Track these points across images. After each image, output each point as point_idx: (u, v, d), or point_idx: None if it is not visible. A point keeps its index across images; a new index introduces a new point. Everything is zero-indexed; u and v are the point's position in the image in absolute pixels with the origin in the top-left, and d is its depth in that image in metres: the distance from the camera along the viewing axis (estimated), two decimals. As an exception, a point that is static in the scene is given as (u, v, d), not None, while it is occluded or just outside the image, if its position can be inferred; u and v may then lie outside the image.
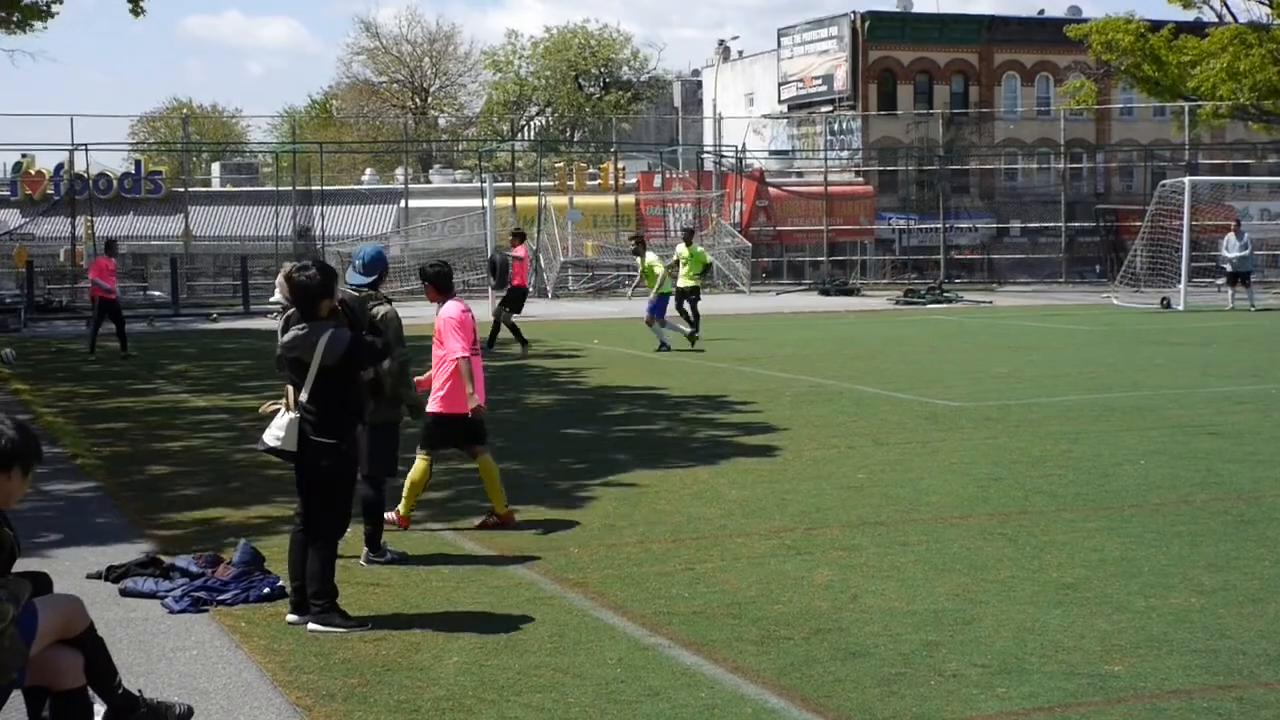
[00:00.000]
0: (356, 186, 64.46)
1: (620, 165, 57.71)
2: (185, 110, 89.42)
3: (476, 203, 48.76)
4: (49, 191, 52.95)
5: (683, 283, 27.76)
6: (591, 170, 60.56)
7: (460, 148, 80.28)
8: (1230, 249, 37.41)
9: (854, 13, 69.12)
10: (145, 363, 25.55)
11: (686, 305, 27.72)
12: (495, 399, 19.14)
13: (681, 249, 28.76)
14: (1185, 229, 38.59)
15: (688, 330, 27.05)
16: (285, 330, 8.18)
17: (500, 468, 13.35)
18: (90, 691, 6.06)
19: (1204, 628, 7.72)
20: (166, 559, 9.28)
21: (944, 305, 42.08)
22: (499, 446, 14.71)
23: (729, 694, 6.76)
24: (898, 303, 42.30)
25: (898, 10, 72.73)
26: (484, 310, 38.16)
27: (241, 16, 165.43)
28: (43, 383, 21.84)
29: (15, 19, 28.76)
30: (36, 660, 5.72)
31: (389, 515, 10.12)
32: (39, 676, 5.80)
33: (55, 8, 29.24)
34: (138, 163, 59.24)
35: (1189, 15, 54.22)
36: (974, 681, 6.86)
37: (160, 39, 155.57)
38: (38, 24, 29.10)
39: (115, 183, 55.97)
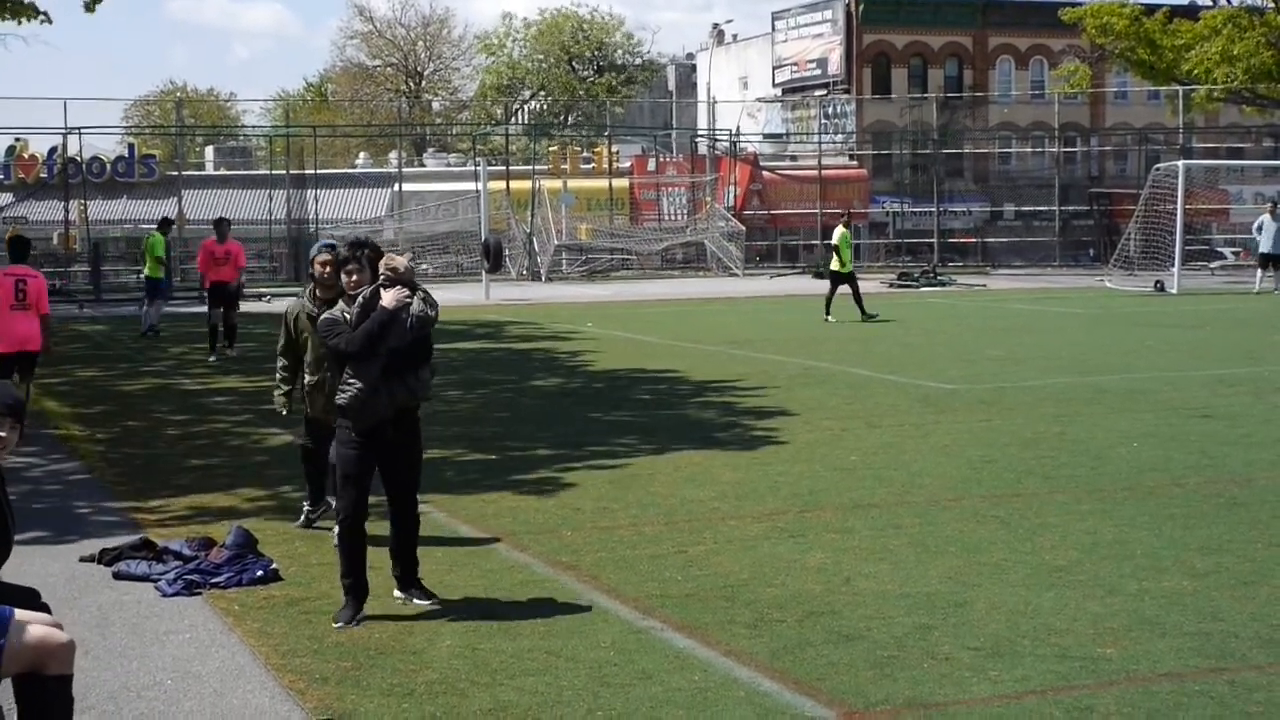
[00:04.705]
0: (350, 170, 64.36)
1: (614, 149, 57.64)
2: (179, 94, 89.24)
3: (470, 186, 48.70)
4: (42, 175, 52.84)
5: (839, 268, 29.26)
6: (585, 154, 60.47)
7: (454, 131, 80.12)
8: (1264, 230, 37.17)
9: (848, -4, 69.06)
10: (139, 346, 25.52)
11: (841, 289, 29.10)
12: (483, 380, 19.15)
13: (843, 230, 29.32)
14: (1179, 212, 38.59)
15: (827, 318, 28.43)
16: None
17: (494, 450, 13.40)
18: None
19: (1196, 611, 7.73)
20: (160, 542, 9.27)
21: (938, 288, 42.08)
22: (493, 430, 14.75)
23: (721, 677, 6.76)
24: (891, 286, 42.26)
25: (892, -7, 72.64)
26: (478, 293, 38.24)
27: (225, 0, 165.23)
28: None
29: (19, 20, 28.77)
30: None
31: None
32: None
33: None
34: (131, 146, 59.12)
35: (1183, -1, 54.27)
36: (966, 664, 6.87)
37: (147, 22, 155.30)
38: (37, 16, 29.04)
39: (108, 166, 55.86)
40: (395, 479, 8.11)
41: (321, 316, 8.26)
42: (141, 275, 48.87)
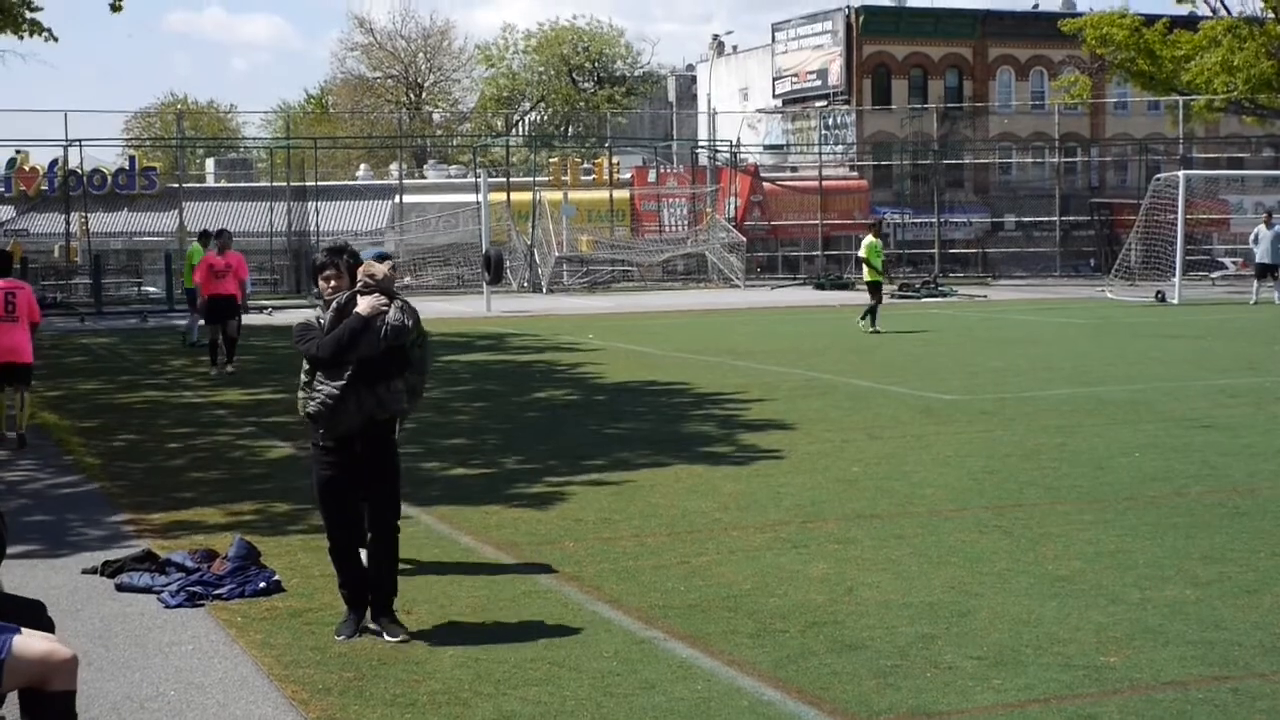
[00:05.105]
0: (351, 182, 64.45)
1: (615, 160, 57.71)
2: (180, 106, 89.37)
3: (471, 198, 48.76)
4: (43, 187, 52.89)
5: (873, 278, 28.75)
6: (586, 165, 60.52)
7: (455, 143, 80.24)
8: (1260, 241, 37.19)
9: (848, 7, 69.14)
10: (141, 359, 25.53)
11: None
12: (485, 392, 19.16)
13: (871, 239, 28.85)
14: (1180, 223, 38.64)
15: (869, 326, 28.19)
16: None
17: (496, 462, 13.41)
18: None
19: (1199, 619, 7.73)
20: (162, 554, 9.27)
21: (939, 299, 42.10)
22: (495, 442, 14.75)
23: (725, 687, 6.76)
24: (892, 296, 42.28)
25: (892, 4, 72.75)
26: (479, 305, 38.25)
27: (224, 13, 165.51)
28: (37, 379, 21.76)
29: (20, 32, 28.83)
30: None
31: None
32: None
33: (39, 14, 29.23)
34: (132, 158, 59.20)
35: (1183, 10, 54.26)
36: (970, 673, 6.86)
37: (145, 34, 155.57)
38: (41, 33, 29.12)
39: (109, 178, 55.93)
40: (370, 496, 7.80)
41: (297, 322, 8.00)
42: (142, 289, 49.42)
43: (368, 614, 7.78)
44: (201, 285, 22.97)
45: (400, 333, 7.63)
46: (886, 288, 44.41)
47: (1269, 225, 37.15)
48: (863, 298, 41.96)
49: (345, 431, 7.65)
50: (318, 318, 7.76)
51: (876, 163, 64.13)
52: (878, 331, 27.70)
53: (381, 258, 8.80)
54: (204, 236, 27.33)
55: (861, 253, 29.35)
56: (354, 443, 7.68)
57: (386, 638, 7.58)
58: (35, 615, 5.79)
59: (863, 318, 28.41)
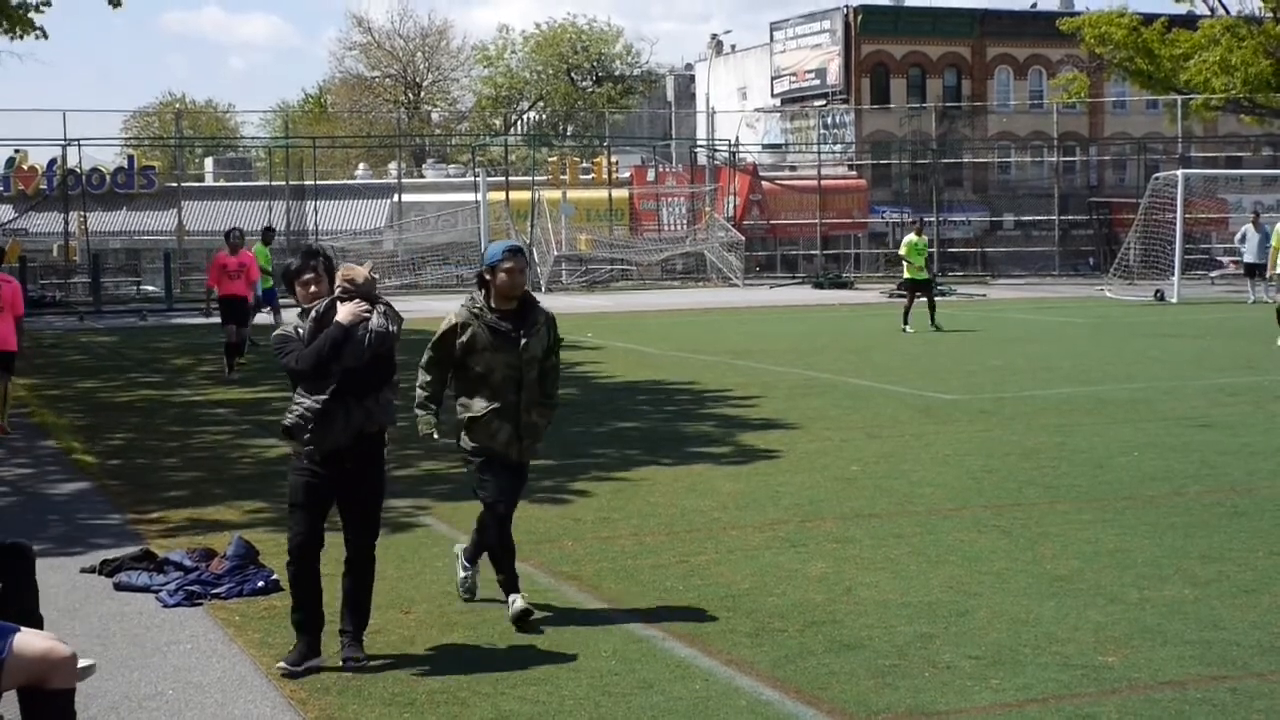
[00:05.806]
0: (349, 181, 64.44)
1: (613, 159, 57.69)
2: (178, 105, 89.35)
3: (470, 197, 48.77)
4: (41, 186, 52.86)
5: (912, 275, 28.57)
6: (584, 164, 60.50)
7: (453, 142, 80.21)
8: (1246, 241, 37.25)
9: (847, 6, 69.14)
10: (141, 358, 25.52)
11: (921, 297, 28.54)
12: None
13: (911, 238, 28.68)
14: (1179, 221, 38.64)
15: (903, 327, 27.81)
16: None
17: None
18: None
19: (1198, 619, 7.72)
20: (160, 553, 9.27)
21: (937, 298, 42.02)
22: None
23: (723, 686, 6.76)
24: (891, 296, 42.23)
25: (890, 4, 72.74)
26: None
27: (221, 13, 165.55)
28: (36, 377, 21.78)
29: (15, 31, 28.78)
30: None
31: None
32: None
33: (43, 11, 29.19)
34: (130, 158, 59.19)
35: (1181, 9, 54.25)
36: (968, 673, 6.86)
37: (143, 34, 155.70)
38: (33, 31, 29.07)
39: (108, 178, 55.93)
40: (350, 515, 7.41)
41: (274, 333, 7.50)
42: (141, 287, 49.40)
43: (321, 642, 7.29)
44: (212, 287, 22.29)
45: (385, 339, 7.19)
46: (885, 287, 44.60)
47: (1256, 225, 37.18)
48: (863, 297, 42.00)
49: (333, 447, 7.20)
50: (296, 328, 7.28)
51: (875, 162, 64.09)
52: (906, 330, 27.54)
53: (515, 251, 8.30)
54: (267, 233, 26.94)
55: (901, 250, 29.22)
56: (344, 459, 7.26)
57: (342, 660, 7.18)
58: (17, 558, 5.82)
59: (912, 318, 28.07)
